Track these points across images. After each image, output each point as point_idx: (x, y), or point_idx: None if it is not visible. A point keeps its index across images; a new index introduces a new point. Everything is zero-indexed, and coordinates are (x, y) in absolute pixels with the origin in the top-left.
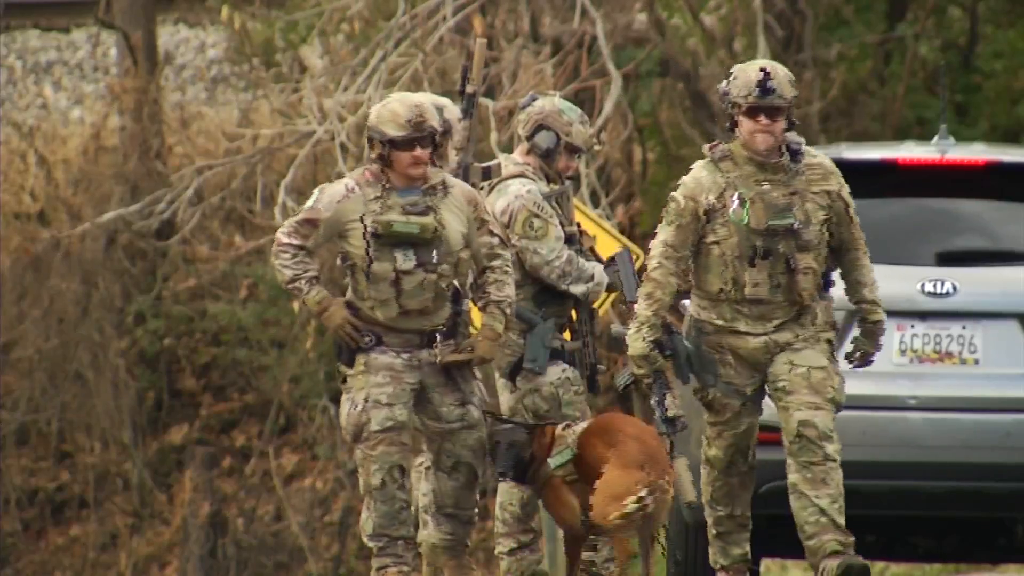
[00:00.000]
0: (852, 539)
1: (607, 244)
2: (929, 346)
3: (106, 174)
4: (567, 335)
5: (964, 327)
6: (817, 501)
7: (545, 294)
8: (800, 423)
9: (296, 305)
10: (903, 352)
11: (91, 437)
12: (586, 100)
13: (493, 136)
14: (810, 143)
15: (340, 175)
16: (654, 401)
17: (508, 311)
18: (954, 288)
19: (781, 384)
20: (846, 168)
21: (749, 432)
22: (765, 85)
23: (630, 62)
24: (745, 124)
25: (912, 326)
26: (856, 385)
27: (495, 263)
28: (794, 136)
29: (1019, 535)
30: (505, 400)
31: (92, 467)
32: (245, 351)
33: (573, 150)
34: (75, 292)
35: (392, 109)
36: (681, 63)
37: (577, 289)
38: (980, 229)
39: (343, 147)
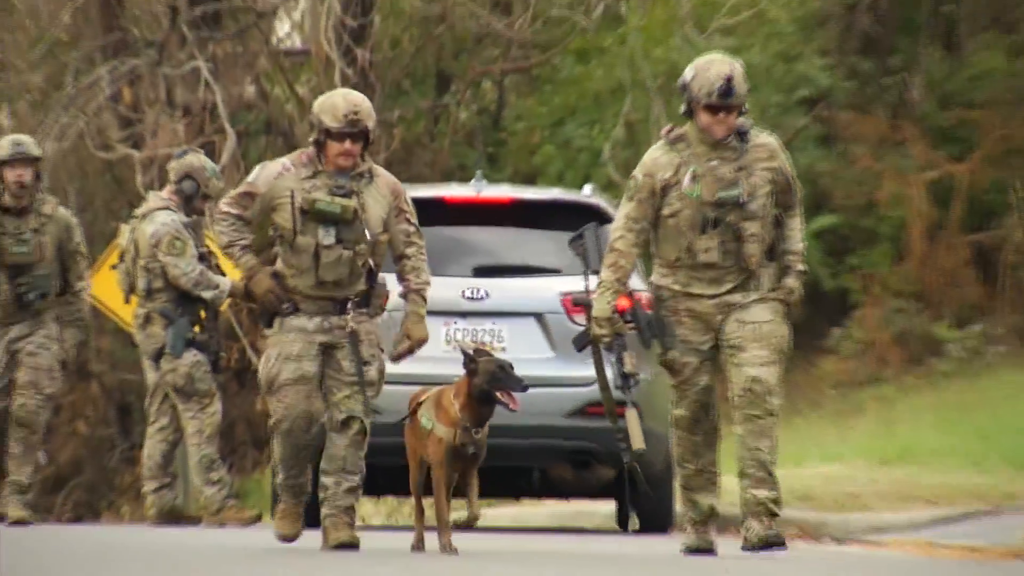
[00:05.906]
0: (780, 495)
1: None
2: (468, 337)
3: None
4: (198, 328)
5: (494, 323)
6: (758, 454)
7: (182, 297)
8: (749, 379)
9: None
10: (448, 342)
11: None
12: (209, 151)
13: (139, 179)
14: None
15: None
16: (613, 358)
17: (426, 294)
18: (487, 294)
19: (733, 342)
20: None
21: (708, 390)
22: (727, 88)
23: (242, 123)
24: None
25: (456, 322)
26: (413, 367)
27: (410, 251)
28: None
29: (537, 479)
30: (151, 377)
31: None
32: None
33: (207, 197)
34: None
35: (333, 102)
36: (281, 123)
37: (207, 295)
38: (507, 249)
39: None
